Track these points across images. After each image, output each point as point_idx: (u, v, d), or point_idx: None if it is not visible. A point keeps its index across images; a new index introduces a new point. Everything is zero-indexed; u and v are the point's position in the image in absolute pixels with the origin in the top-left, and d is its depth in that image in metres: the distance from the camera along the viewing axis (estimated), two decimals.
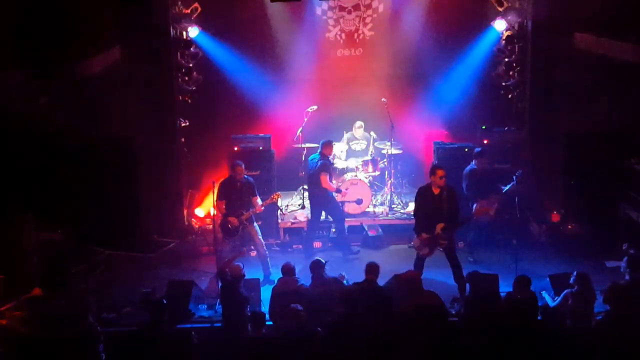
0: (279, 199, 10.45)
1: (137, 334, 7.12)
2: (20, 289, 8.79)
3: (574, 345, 6.70)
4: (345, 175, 11.49)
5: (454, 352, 6.65)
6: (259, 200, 9.62)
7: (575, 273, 7.44)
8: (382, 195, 11.85)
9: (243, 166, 9.69)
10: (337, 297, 7.37)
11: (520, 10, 11.67)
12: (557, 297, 7.78)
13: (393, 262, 9.65)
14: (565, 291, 7.39)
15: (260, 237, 9.71)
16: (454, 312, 8.05)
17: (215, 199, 9.83)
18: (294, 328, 6.79)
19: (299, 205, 11.71)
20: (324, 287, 7.72)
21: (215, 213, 10.09)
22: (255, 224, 9.71)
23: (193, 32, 11.72)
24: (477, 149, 10.33)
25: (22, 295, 8.70)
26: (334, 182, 11.22)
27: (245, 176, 9.71)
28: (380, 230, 11.17)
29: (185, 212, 11.93)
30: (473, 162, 10.12)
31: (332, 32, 12.46)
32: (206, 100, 12.25)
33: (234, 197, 9.57)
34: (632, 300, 7.01)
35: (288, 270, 8.00)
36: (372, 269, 7.54)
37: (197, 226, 11.81)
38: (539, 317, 7.64)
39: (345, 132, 12.08)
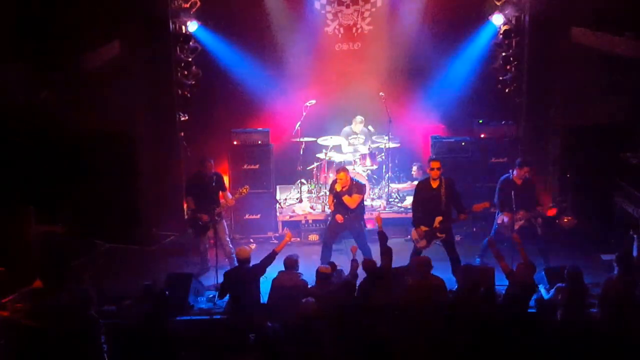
0: (278, 194, 10.53)
1: (137, 326, 7.23)
2: (21, 282, 8.88)
3: (563, 338, 6.79)
4: None
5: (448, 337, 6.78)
6: (228, 194, 9.67)
7: (566, 268, 7.52)
8: (380, 189, 11.93)
9: (212, 162, 9.78)
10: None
11: (518, 4, 11.69)
12: (551, 290, 7.87)
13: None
14: (557, 285, 7.49)
15: (227, 235, 9.78)
16: None
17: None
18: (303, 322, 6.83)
19: (297, 199, 11.79)
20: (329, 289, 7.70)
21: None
22: (224, 220, 9.76)
23: (192, 26, 11.75)
24: (518, 160, 9.56)
25: (23, 288, 8.80)
26: (331, 176, 11.33)
27: (214, 171, 9.78)
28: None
29: (184, 205, 11.98)
30: (510, 171, 9.42)
31: (330, 26, 12.49)
32: (205, 95, 12.29)
33: (202, 193, 9.63)
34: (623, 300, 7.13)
35: (289, 264, 8.01)
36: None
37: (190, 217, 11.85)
38: (533, 310, 7.77)
39: (344, 126, 12.13)
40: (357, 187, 9.42)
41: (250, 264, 8.10)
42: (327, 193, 10.29)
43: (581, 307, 7.36)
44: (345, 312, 7.06)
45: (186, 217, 11.69)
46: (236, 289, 7.78)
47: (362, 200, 9.58)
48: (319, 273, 7.68)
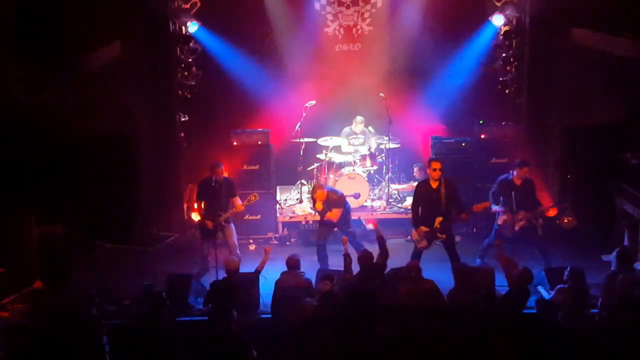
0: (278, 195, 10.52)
1: (137, 326, 7.22)
2: (22, 282, 8.88)
3: (564, 338, 6.78)
4: (342, 170, 11.57)
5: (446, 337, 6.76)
6: (238, 201, 9.66)
7: (568, 268, 7.52)
8: (380, 190, 11.93)
9: (222, 167, 9.75)
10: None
11: (518, 5, 11.70)
12: (551, 291, 7.87)
13: (390, 255, 9.72)
14: (558, 286, 7.49)
15: (235, 239, 9.73)
16: None
17: (194, 199, 9.90)
18: (300, 321, 6.81)
19: (297, 199, 11.79)
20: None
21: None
22: (232, 225, 9.74)
23: (192, 27, 11.76)
24: (519, 160, 9.60)
25: (23, 288, 8.80)
26: (331, 176, 11.36)
27: (225, 177, 9.77)
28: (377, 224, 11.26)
29: (185, 206, 12.00)
30: (510, 172, 9.47)
31: (330, 27, 12.50)
32: (205, 95, 12.31)
33: (212, 198, 9.61)
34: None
35: (292, 264, 8.01)
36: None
37: (196, 220, 11.87)
38: (534, 311, 7.76)
39: (344, 127, 12.14)
40: (334, 202, 9.45)
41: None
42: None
43: (583, 307, 7.36)
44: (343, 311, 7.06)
45: (186, 217, 11.81)
46: (221, 299, 7.74)
47: (345, 207, 9.59)
48: (320, 293, 7.49)
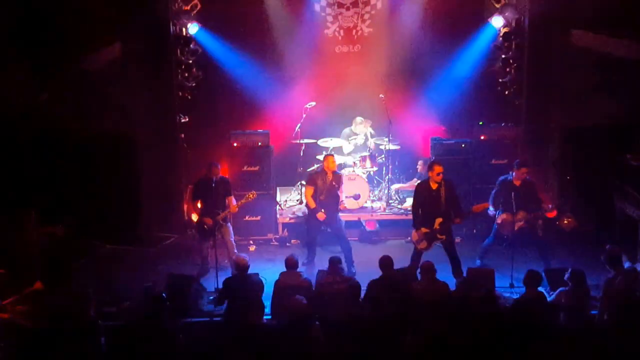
0: (277, 195, 10.52)
1: (137, 327, 7.22)
2: (22, 283, 8.88)
3: (566, 340, 6.78)
4: (342, 171, 11.58)
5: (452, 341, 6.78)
6: (233, 200, 9.67)
7: (569, 270, 7.52)
8: (380, 191, 11.94)
9: (219, 167, 9.78)
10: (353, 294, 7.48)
11: (518, 6, 11.72)
12: (552, 292, 7.87)
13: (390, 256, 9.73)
14: (559, 289, 7.48)
15: (232, 238, 9.76)
16: None
17: (190, 199, 9.90)
18: (294, 320, 6.84)
19: (297, 200, 11.79)
20: (337, 284, 7.72)
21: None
22: (229, 224, 9.76)
23: (193, 28, 11.77)
24: (517, 160, 9.55)
25: (23, 289, 8.80)
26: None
27: (220, 176, 9.79)
28: (377, 225, 11.28)
29: (185, 207, 12.01)
30: (510, 173, 9.50)
31: (330, 28, 12.52)
32: (206, 97, 12.31)
33: (208, 197, 9.63)
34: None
35: (291, 264, 8.04)
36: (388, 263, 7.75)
37: (195, 220, 11.88)
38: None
39: (344, 128, 12.15)
40: (339, 179, 9.56)
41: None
42: (304, 184, 10.05)
43: (584, 308, 7.36)
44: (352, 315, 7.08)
45: (186, 218, 11.81)
46: (236, 296, 7.76)
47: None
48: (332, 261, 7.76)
